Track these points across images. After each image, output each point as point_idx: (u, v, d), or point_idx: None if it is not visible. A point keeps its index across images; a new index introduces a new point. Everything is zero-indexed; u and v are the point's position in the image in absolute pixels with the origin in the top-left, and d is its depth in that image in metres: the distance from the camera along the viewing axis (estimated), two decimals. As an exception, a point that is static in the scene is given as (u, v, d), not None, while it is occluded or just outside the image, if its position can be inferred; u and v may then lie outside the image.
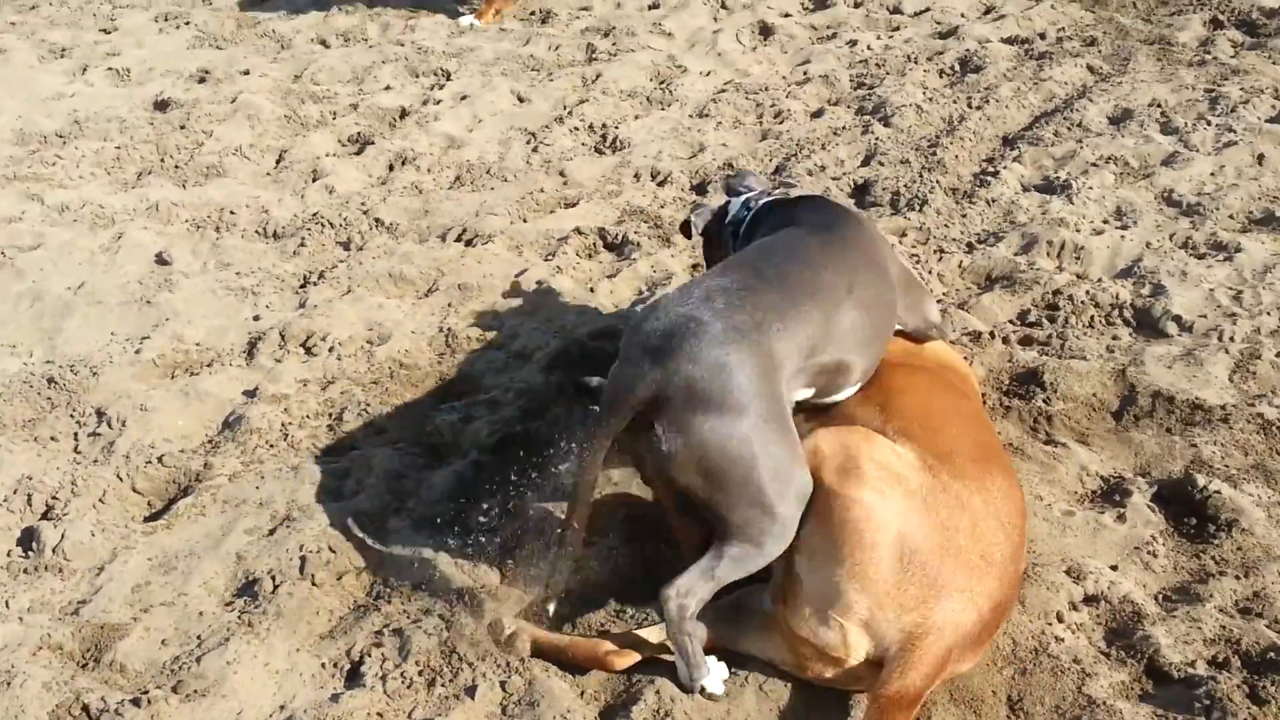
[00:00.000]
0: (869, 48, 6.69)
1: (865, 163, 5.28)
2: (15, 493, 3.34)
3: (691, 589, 2.48)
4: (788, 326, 2.64)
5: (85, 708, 2.64)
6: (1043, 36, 6.67)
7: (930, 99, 5.87)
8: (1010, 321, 4.10)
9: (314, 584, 3.01)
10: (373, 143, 5.72)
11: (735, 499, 2.47)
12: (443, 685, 2.71)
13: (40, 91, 6.46)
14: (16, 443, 3.56)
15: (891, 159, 5.23)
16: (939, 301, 4.20)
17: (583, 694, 2.68)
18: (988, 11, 7.17)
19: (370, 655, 2.79)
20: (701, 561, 2.51)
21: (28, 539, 3.21)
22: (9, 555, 3.18)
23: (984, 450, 2.76)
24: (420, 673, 2.74)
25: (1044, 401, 3.61)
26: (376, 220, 4.95)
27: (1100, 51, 6.39)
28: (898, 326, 3.12)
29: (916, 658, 2.39)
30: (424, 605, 2.92)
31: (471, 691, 2.67)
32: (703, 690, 2.58)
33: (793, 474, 2.51)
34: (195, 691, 2.67)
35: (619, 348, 2.70)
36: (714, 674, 2.59)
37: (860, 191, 5.03)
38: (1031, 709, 2.62)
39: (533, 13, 7.64)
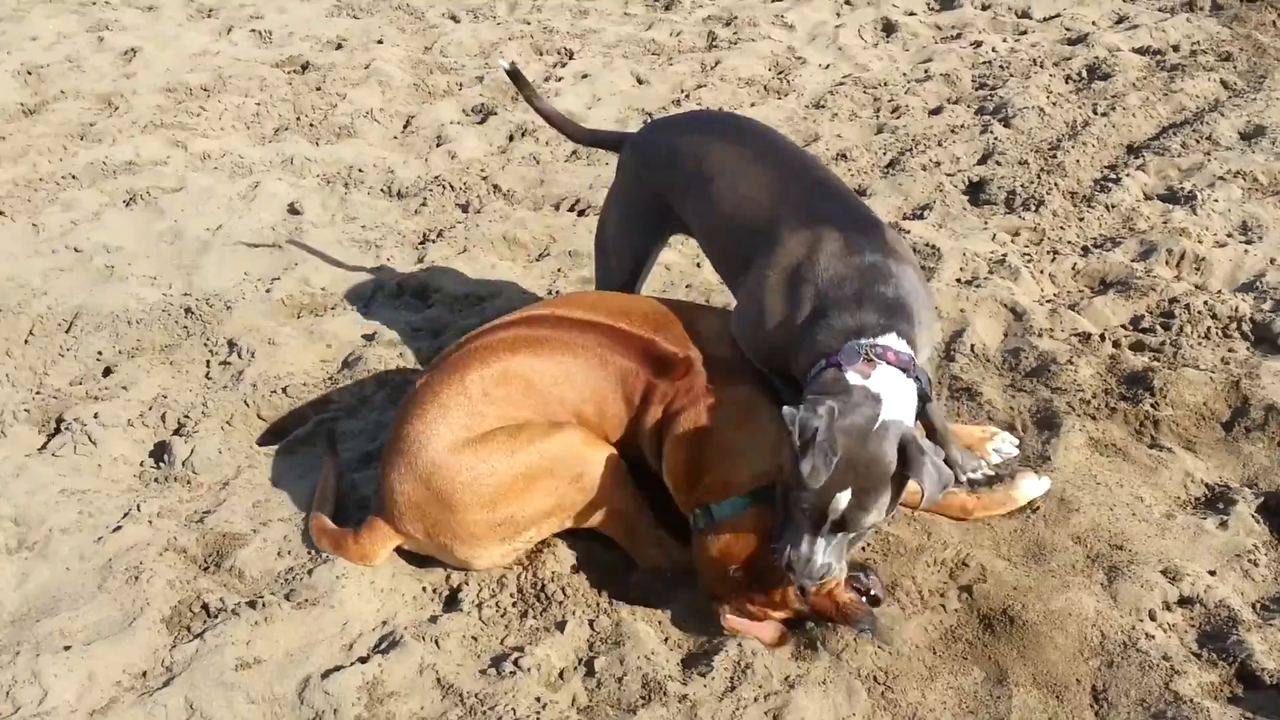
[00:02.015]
0: (994, 50, 6.65)
1: (982, 161, 5.26)
2: (151, 409, 3.56)
3: None
4: None
5: (205, 606, 2.82)
6: (1176, 49, 6.54)
7: (1054, 103, 5.82)
8: (1122, 326, 4.06)
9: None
10: (495, 114, 5.89)
11: None
12: (534, 618, 2.83)
13: (187, 48, 6.78)
14: (154, 365, 3.79)
15: (1009, 159, 5.20)
16: (1049, 302, 4.19)
17: (666, 640, 2.77)
18: (1120, 21, 7.05)
19: (468, 584, 2.92)
20: None
21: (160, 452, 3.42)
22: (141, 465, 3.40)
23: None
24: (514, 604, 2.86)
25: (1151, 406, 3.57)
26: (495, 186, 5.11)
27: (1235, 67, 6.24)
28: None
29: None
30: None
31: (561, 626, 2.78)
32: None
33: None
34: (306, 601, 2.83)
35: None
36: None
37: (975, 189, 5.02)
38: (1116, 700, 2.61)
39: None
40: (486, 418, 2.86)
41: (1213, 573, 2.98)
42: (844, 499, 2.49)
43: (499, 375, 2.91)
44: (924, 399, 2.78)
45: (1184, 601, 2.88)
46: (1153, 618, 2.82)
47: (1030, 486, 3.17)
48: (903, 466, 2.51)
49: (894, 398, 2.59)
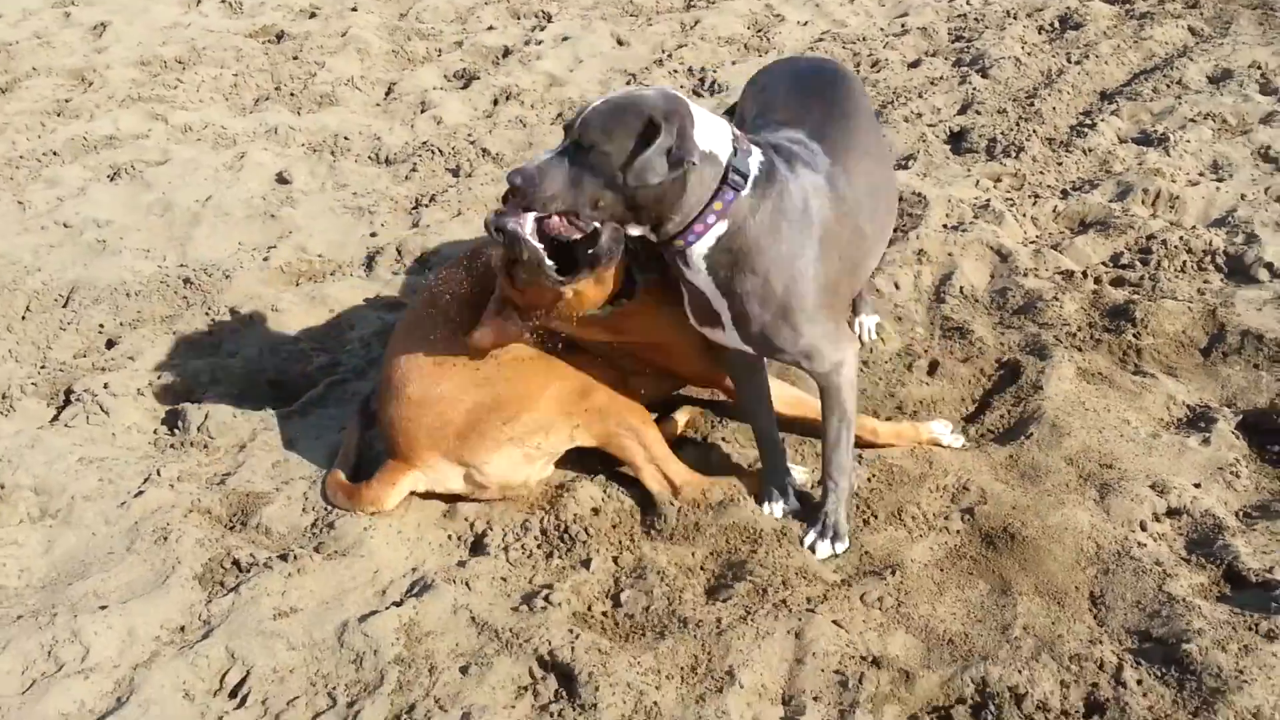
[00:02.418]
0: (968, 3, 6.75)
1: (962, 111, 5.36)
2: (159, 378, 3.60)
3: None
4: None
5: (236, 562, 2.88)
6: (1142, -3, 6.66)
7: (1029, 53, 5.92)
8: (1103, 263, 4.18)
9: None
10: (478, 78, 5.91)
11: None
12: (559, 557, 2.92)
13: (157, 20, 6.75)
14: (157, 335, 3.82)
15: (989, 108, 5.30)
16: (1032, 243, 4.30)
17: (689, 571, 2.86)
18: (1087, -29, 7.15)
19: (492, 529, 3.00)
20: None
21: (173, 418, 3.47)
22: (155, 432, 3.45)
23: None
24: (539, 546, 2.95)
25: (1134, 336, 3.70)
26: (484, 150, 5.15)
27: (1202, 14, 6.37)
28: None
29: None
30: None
31: (587, 564, 2.87)
32: None
33: None
34: (335, 552, 2.90)
35: None
36: None
37: (956, 138, 5.12)
38: (1113, 604, 2.73)
39: (629, -38, 7.77)
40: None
41: (1198, 485, 3.11)
42: (587, 111, 2.54)
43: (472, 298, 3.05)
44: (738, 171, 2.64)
45: (1172, 513, 3.01)
46: (1144, 528, 2.95)
47: (939, 429, 3.29)
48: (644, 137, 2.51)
49: (701, 111, 2.63)
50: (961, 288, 4.00)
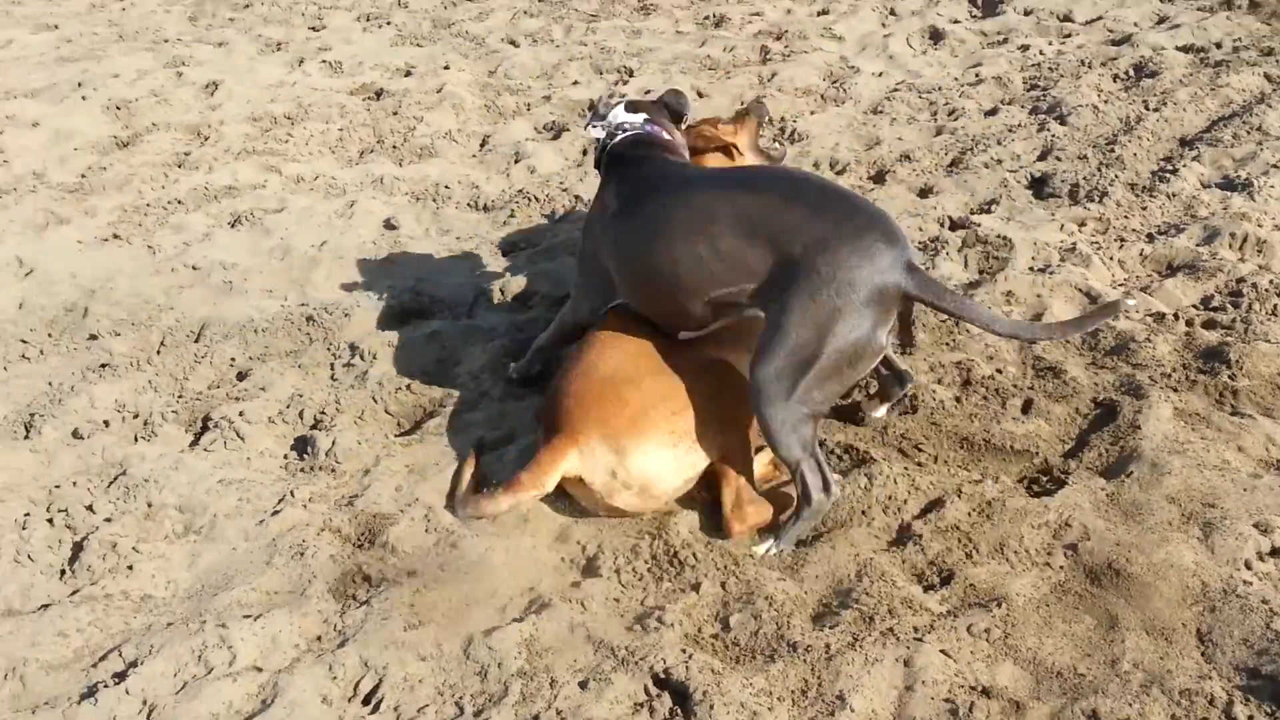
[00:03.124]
0: (1041, 53, 6.88)
1: (1042, 157, 5.48)
2: (288, 407, 3.83)
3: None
4: None
5: (367, 577, 3.07)
6: (1218, 46, 6.74)
7: (1106, 100, 6.03)
8: (1193, 306, 4.26)
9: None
10: (567, 130, 6.17)
11: None
12: (669, 581, 3.06)
13: (263, 79, 7.12)
14: (285, 368, 4.06)
15: (1069, 154, 5.42)
16: (1120, 285, 4.40)
17: (795, 597, 2.98)
18: (1161, 21, 7.27)
19: (603, 553, 3.16)
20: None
21: (302, 445, 3.68)
22: (285, 457, 3.66)
23: None
24: (649, 569, 3.10)
25: (1229, 378, 3.76)
26: (576, 197, 5.38)
27: (1277, 61, 6.43)
28: None
29: None
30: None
31: (696, 587, 3.01)
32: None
33: None
34: (459, 570, 3.08)
35: None
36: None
37: (1038, 184, 5.24)
38: (1220, 640, 2.79)
39: (707, 18, 8.04)
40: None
41: (1301, 527, 3.16)
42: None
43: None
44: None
45: (1275, 552, 3.07)
46: (1248, 567, 3.01)
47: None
48: None
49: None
50: (1051, 328, 4.10)
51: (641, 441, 3.17)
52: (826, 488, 3.13)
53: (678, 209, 3.29)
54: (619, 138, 3.71)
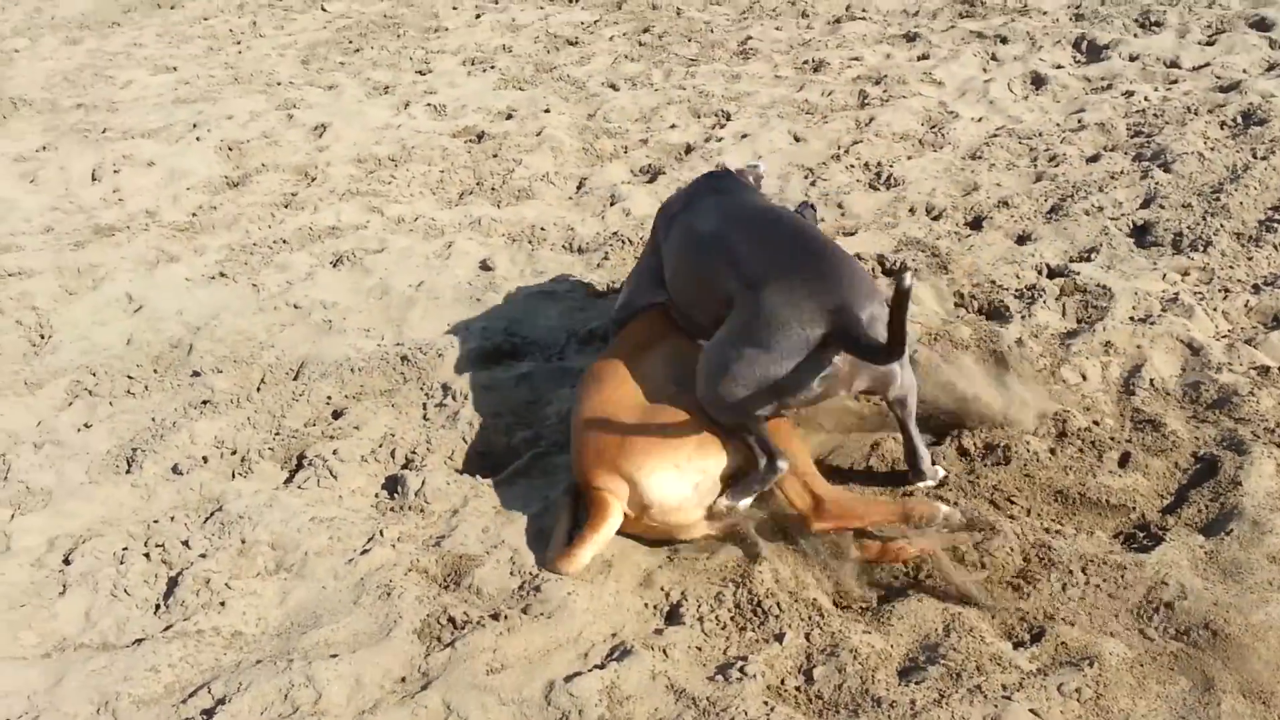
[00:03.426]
0: (1146, 99, 6.72)
1: (1145, 205, 5.34)
2: (381, 446, 3.91)
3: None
4: None
5: (451, 619, 3.11)
6: (1335, 91, 6.51)
7: (1212, 148, 5.86)
8: (1301, 360, 4.10)
9: (625, 537, 3.42)
10: (663, 173, 6.22)
11: None
12: (752, 630, 3.04)
13: (371, 122, 7.34)
14: (378, 407, 4.15)
15: (1173, 203, 5.28)
16: (1224, 337, 4.26)
17: (881, 651, 2.93)
18: (1271, 68, 7.04)
19: (687, 600, 3.15)
20: (912, 431, 3.49)
21: (392, 484, 3.76)
22: (376, 496, 3.74)
23: None
24: (733, 618, 3.08)
25: (1347, 432, 3.62)
26: (669, 241, 5.41)
27: (1397, 107, 6.19)
28: None
29: None
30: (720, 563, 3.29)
31: (780, 638, 2.98)
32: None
33: None
34: (541, 614, 3.10)
35: None
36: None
37: (1140, 232, 5.11)
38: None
39: (806, 62, 8.05)
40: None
41: None
42: None
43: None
44: None
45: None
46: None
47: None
48: None
49: None
50: (1152, 380, 3.99)
51: (637, 460, 3.30)
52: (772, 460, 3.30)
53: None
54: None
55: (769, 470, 3.27)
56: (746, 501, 3.32)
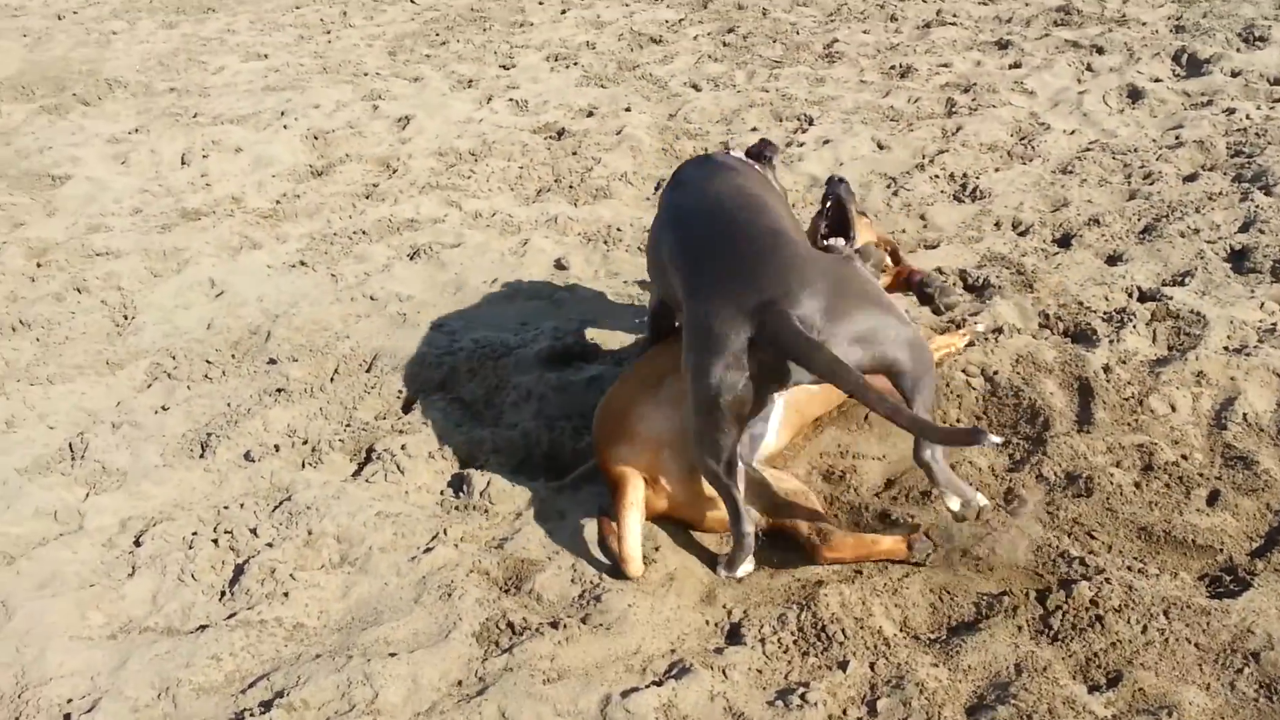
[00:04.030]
0: (1248, 117, 6.48)
1: (1244, 229, 5.14)
2: (449, 443, 3.90)
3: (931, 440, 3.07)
4: None
5: (510, 624, 3.08)
6: None
7: (1318, 171, 5.63)
8: (1407, 400, 3.90)
9: (689, 551, 3.37)
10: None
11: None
12: (815, 656, 2.96)
13: (454, 115, 7.37)
14: (449, 403, 4.16)
15: (1273, 227, 5.07)
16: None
17: (951, 687, 2.84)
18: (1386, 87, 6.75)
19: (749, 619, 3.09)
20: (920, 413, 2.97)
21: (458, 483, 3.75)
22: (442, 494, 3.74)
23: None
24: (795, 642, 3.00)
25: None
26: (746, 246, 5.33)
27: None
28: None
29: None
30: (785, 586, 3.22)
31: (843, 665, 2.90)
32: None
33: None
34: (600, 625, 3.06)
35: None
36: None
37: (1238, 257, 4.92)
38: None
39: (893, 67, 7.91)
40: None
41: None
42: None
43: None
44: None
45: None
46: None
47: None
48: None
49: None
50: (1245, 415, 3.82)
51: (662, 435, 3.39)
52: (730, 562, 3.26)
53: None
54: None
55: (737, 548, 3.24)
56: (745, 569, 3.27)
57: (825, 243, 3.77)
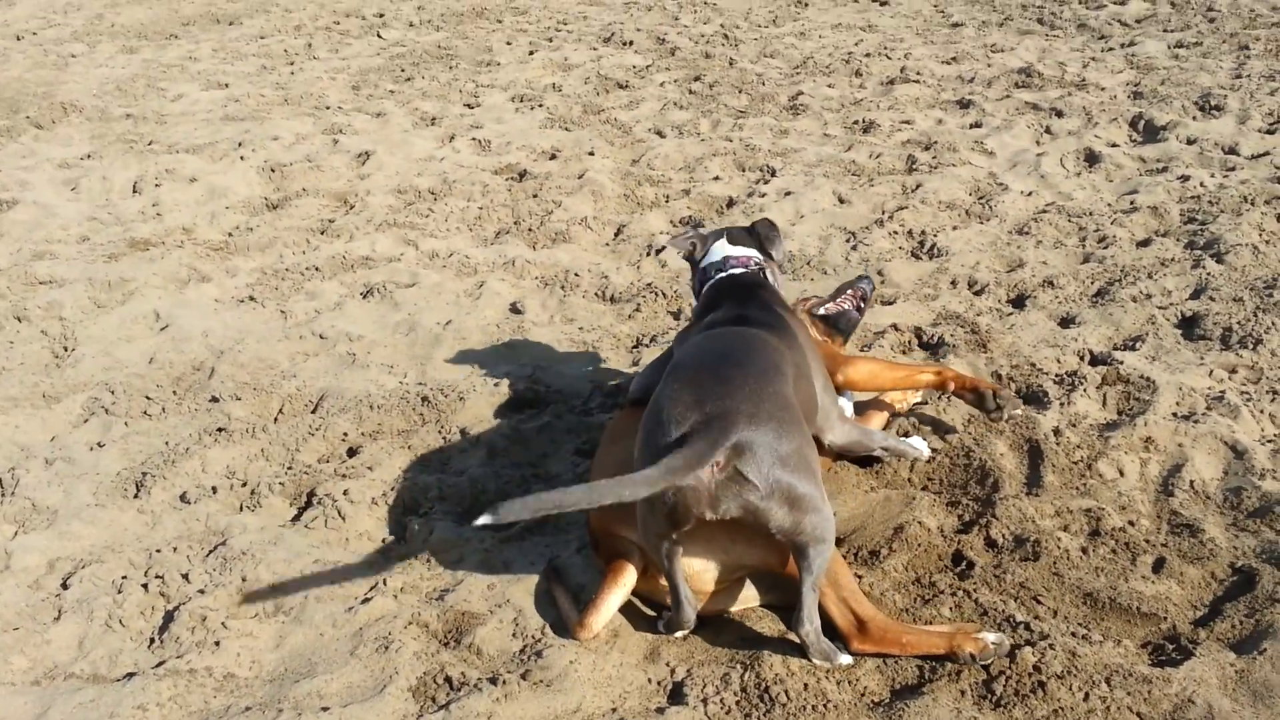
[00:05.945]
0: (1202, 185, 6.58)
1: (1195, 296, 5.20)
2: (392, 490, 3.83)
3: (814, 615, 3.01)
4: None
5: (449, 679, 3.00)
6: (1398, 189, 6.36)
7: (1268, 241, 5.72)
8: (1352, 471, 3.94)
9: (634, 608, 3.31)
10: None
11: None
12: (758, 717, 2.90)
13: (415, 153, 7.34)
14: (394, 448, 4.07)
15: (1224, 295, 5.14)
16: (1270, 442, 4.10)
17: (892, 754, 2.80)
18: (1334, 160, 6.90)
19: (692, 677, 3.02)
20: (804, 588, 2.97)
21: (400, 530, 3.67)
22: (384, 541, 3.65)
23: None
24: (738, 703, 2.94)
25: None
26: (704, 296, 5.32)
27: None
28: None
29: None
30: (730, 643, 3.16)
31: (786, 730, 2.84)
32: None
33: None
34: (541, 682, 2.98)
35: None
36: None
37: (1189, 323, 4.97)
38: None
39: (856, 122, 7.98)
40: None
41: None
42: None
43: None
44: None
45: None
46: None
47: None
48: None
49: None
50: (1192, 482, 3.84)
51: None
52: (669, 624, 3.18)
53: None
54: (728, 273, 3.86)
55: (672, 619, 3.17)
56: (684, 631, 3.19)
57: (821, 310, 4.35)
